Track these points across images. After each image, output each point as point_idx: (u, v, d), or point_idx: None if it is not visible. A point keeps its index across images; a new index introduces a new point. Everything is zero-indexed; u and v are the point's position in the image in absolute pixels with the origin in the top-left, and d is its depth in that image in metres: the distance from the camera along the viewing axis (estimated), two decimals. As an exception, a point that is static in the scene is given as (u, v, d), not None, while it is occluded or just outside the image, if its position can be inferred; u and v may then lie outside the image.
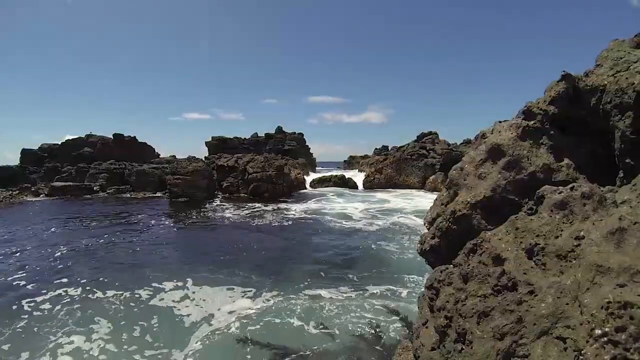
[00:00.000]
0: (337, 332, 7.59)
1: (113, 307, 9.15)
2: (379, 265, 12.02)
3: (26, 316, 8.71)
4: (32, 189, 35.55)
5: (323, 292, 9.65)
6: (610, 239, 1.96)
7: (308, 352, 6.84)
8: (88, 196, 34.96)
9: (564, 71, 3.59)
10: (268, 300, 9.23)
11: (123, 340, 7.54)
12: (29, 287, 10.56)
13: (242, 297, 9.48)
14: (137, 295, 9.77)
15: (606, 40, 3.47)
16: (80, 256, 13.86)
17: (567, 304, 1.94)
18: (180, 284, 10.50)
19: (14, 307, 9.21)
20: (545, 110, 3.51)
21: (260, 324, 7.95)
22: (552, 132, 3.42)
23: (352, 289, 9.82)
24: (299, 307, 8.76)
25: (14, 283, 10.81)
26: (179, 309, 8.90)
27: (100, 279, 11.10)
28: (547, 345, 1.94)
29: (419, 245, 4.12)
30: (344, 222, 20.81)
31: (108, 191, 37.22)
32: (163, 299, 9.52)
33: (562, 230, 2.34)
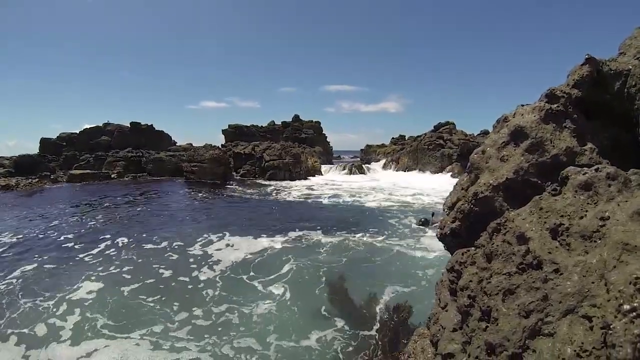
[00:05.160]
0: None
1: (161, 251, 11.72)
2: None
3: (91, 260, 10.82)
4: (51, 177, 36.12)
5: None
6: (636, 218, 1.96)
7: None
8: (106, 181, 35.67)
9: (587, 54, 3.54)
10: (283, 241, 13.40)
11: (177, 272, 10.27)
12: (83, 245, 12.34)
13: (263, 240, 13.24)
14: (174, 242, 12.50)
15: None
16: (119, 223, 15.64)
17: (592, 282, 1.96)
18: (211, 237, 13.52)
19: (77, 257, 11.19)
20: (568, 93, 3.47)
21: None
22: (575, 115, 3.37)
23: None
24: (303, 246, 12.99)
25: (63, 245, 12.32)
26: (213, 254, 11.86)
27: (142, 235, 13.53)
28: (573, 323, 1.96)
29: (438, 230, 4.14)
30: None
31: (125, 178, 37.78)
32: (201, 245, 12.54)
33: (586, 211, 2.34)
